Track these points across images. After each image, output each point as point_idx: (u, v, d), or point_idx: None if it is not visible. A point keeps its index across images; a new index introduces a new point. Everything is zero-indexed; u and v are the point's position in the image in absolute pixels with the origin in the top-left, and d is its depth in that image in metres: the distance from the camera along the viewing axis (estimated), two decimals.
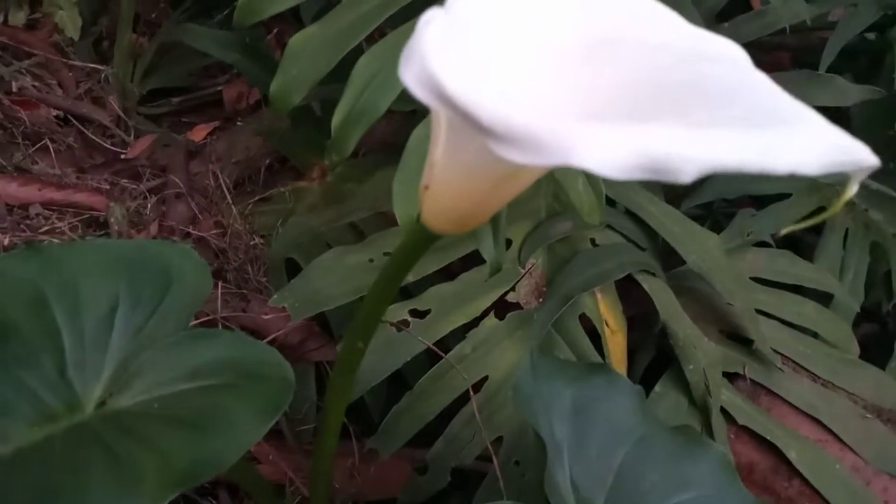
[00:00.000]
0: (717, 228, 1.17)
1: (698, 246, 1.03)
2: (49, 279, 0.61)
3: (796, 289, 1.11)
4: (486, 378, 0.92)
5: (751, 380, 1.05)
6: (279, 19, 1.28)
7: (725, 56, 0.42)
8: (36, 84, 1.17)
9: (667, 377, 1.01)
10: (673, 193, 1.13)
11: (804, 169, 0.35)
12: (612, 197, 1.03)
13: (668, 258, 1.08)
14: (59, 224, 0.93)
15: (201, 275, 0.67)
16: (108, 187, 1.02)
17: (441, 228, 0.50)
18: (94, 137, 1.15)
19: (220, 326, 0.95)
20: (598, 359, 0.96)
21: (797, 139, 0.36)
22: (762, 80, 0.40)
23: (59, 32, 1.28)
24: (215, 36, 1.08)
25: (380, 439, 0.91)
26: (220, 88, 1.27)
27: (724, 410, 1.02)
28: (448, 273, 0.96)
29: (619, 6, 0.45)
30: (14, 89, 1.15)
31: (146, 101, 1.26)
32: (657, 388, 1.01)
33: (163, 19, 1.32)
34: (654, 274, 1.01)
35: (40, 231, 0.91)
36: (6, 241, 0.88)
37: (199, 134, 1.21)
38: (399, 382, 0.95)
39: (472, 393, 0.87)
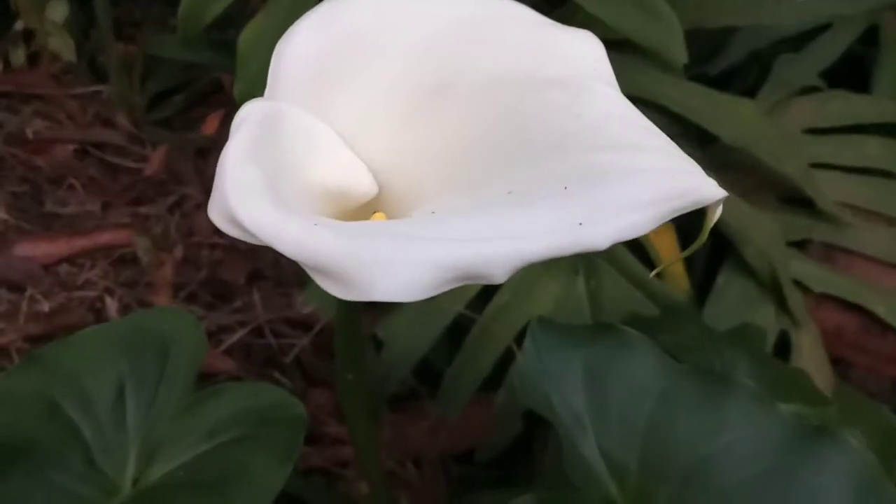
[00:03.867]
0: (763, 77, 1.06)
1: (731, 118, 0.94)
2: (54, 383, 0.64)
3: (859, 129, 1.00)
4: None
5: (821, 243, 0.97)
6: None
7: (566, 76, 0.37)
8: (47, 124, 1.19)
9: (727, 266, 0.95)
10: (696, 60, 1.02)
11: (632, 232, 0.31)
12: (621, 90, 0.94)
13: (708, 133, 1.00)
14: (91, 274, 0.96)
15: (195, 332, 0.68)
16: (128, 220, 1.04)
17: None
18: (112, 160, 1.17)
19: (268, 331, 0.96)
20: (645, 270, 0.91)
21: (623, 199, 0.31)
22: (601, 105, 0.35)
23: (56, 60, 1.28)
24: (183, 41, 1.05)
25: (443, 402, 0.92)
26: (218, 75, 1.24)
27: (797, 283, 0.95)
28: None
29: (456, 33, 0.40)
30: (30, 136, 1.18)
31: (152, 107, 1.25)
32: (719, 279, 0.96)
33: (146, 17, 1.30)
34: None
35: (77, 286, 0.95)
36: (46, 308, 0.92)
37: (211, 126, 1.20)
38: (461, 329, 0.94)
39: (515, 347, 0.85)
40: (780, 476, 0.59)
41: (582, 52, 0.37)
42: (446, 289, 0.30)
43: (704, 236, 0.35)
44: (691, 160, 0.35)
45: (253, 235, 0.33)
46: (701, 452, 0.60)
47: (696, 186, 0.32)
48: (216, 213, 0.34)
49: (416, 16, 0.40)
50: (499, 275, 0.30)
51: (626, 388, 0.63)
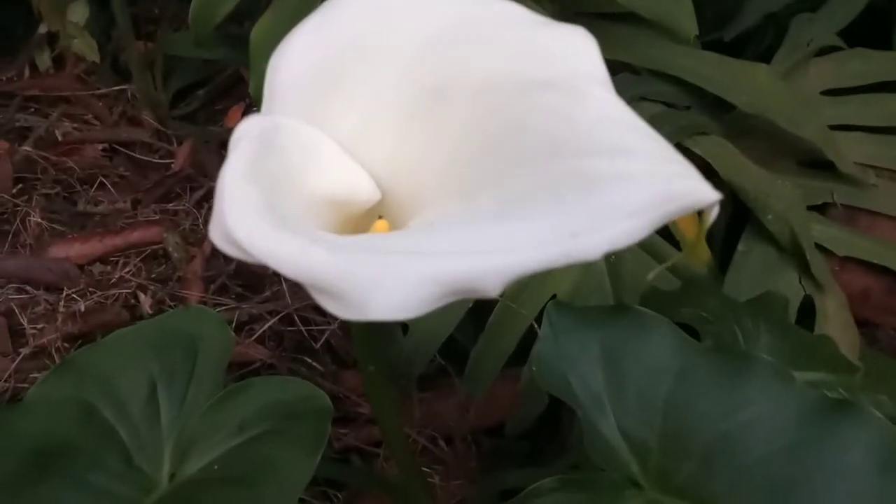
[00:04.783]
0: (780, 40, 1.05)
1: (746, 84, 0.93)
2: (87, 387, 0.66)
3: (881, 88, 0.98)
4: (554, 297, 0.90)
5: (843, 205, 0.96)
6: None
7: (558, 77, 0.37)
8: (75, 125, 1.22)
9: (748, 233, 0.95)
10: (710, 26, 1.01)
11: (626, 240, 0.32)
12: (634, 63, 0.94)
13: (723, 101, 0.99)
14: (124, 272, 0.98)
15: (222, 329, 0.70)
16: (158, 217, 1.07)
17: None
18: (141, 157, 1.20)
19: (297, 318, 0.99)
20: (664, 243, 0.91)
21: (616, 206, 0.32)
22: (593, 108, 0.35)
23: (80, 61, 1.30)
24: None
25: (469, 382, 0.93)
26: (239, 67, 1.26)
27: (820, 247, 0.95)
28: None
29: (446, 38, 0.41)
30: (59, 138, 1.21)
31: (176, 102, 1.28)
32: (740, 246, 0.95)
33: (164, 13, 1.32)
34: (705, 133, 0.93)
35: (111, 284, 0.98)
36: (82, 308, 0.95)
37: (233, 118, 1.22)
38: (486, 308, 0.95)
39: (536, 326, 0.86)
40: (802, 451, 0.58)
41: (575, 51, 0.37)
42: (442, 304, 0.31)
43: (701, 240, 0.35)
44: (686, 162, 0.35)
45: (251, 255, 0.34)
46: (721, 430, 0.61)
47: (691, 190, 0.32)
48: (216, 234, 0.35)
49: (407, 21, 0.40)
50: (492, 289, 0.31)
51: (644, 368, 0.63)
